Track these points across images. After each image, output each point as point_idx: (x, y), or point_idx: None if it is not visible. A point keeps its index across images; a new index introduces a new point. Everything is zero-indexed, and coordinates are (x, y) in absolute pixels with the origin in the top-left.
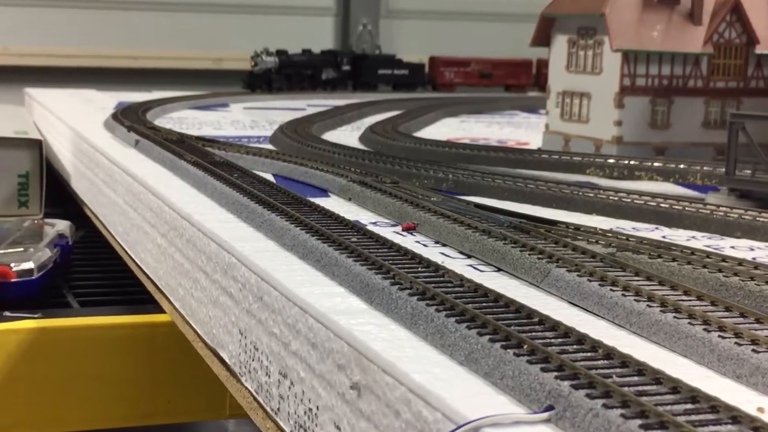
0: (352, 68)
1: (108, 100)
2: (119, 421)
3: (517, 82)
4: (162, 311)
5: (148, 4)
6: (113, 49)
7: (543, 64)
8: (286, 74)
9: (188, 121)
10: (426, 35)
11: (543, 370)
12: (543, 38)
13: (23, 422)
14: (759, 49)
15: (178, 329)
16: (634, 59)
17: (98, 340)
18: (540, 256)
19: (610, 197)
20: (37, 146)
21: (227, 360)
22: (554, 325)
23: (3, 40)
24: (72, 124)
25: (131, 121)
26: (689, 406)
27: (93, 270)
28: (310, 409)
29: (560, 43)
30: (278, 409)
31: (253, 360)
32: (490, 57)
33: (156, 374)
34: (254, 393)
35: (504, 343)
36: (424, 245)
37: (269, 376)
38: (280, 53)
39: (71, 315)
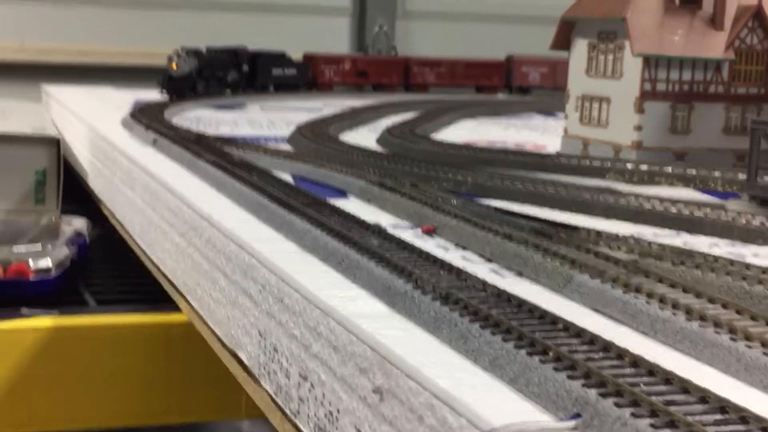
0: (250, 68)
1: (125, 98)
2: (134, 419)
3: (489, 83)
4: (178, 311)
5: (167, 2)
6: (131, 46)
7: (515, 65)
8: (205, 77)
9: (205, 120)
10: (443, 36)
11: (569, 377)
12: (563, 41)
13: (40, 418)
14: None
15: (194, 329)
16: (655, 64)
17: (115, 339)
18: (562, 261)
19: (631, 202)
20: (54, 144)
21: (245, 361)
22: (579, 332)
23: (20, 35)
24: (89, 121)
25: (149, 119)
26: (719, 416)
27: (110, 268)
28: (331, 412)
29: (580, 46)
30: (298, 411)
31: (272, 362)
32: (465, 58)
33: (171, 373)
34: (273, 394)
35: (529, 349)
36: (445, 249)
37: (289, 378)
38: (196, 53)
39: (88, 313)
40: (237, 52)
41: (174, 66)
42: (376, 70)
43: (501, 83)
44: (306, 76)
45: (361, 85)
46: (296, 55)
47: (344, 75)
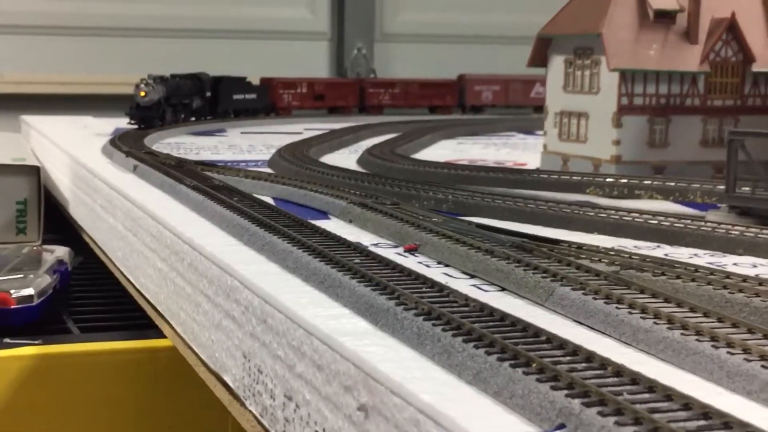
0: (212, 94)
1: (105, 126)
2: None
3: (442, 104)
4: (163, 336)
5: (145, 30)
6: (110, 75)
7: (467, 84)
8: (172, 104)
9: (186, 146)
10: (421, 57)
11: (553, 388)
12: (540, 59)
13: None
14: (755, 67)
15: (180, 354)
16: (632, 78)
17: (99, 366)
18: (544, 275)
19: (611, 216)
20: (35, 173)
21: (230, 384)
22: (562, 344)
23: None
24: (70, 150)
25: (129, 146)
26: (702, 422)
27: (93, 296)
28: None
29: (557, 63)
30: None
31: (257, 383)
32: (417, 78)
33: (157, 399)
34: (258, 416)
35: (513, 362)
36: (427, 266)
37: (274, 399)
38: (163, 79)
39: (72, 341)
40: (200, 77)
41: (142, 94)
42: (332, 93)
43: (454, 103)
44: (265, 101)
45: (318, 109)
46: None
47: (302, 99)
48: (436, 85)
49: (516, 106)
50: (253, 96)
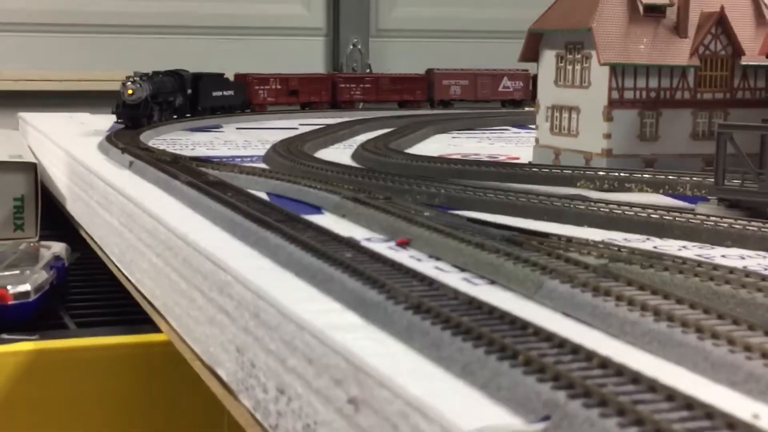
0: (193, 91)
1: (102, 122)
2: None
3: (412, 98)
4: (159, 331)
5: (141, 27)
6: (107, 72)
7: (436, 79)
8: (158, 102)
9: (181, 142)
10: (417, 52)
11: (539, 380)
12: (531, 53)
13: None
14: (745, 61)
15: (175, 349)
16: (622, 72)
17: (96, 361)
18: (533, 268)
19: (601, 209)
20: (32, 169)
21: (224, 378)
22: (549, 336)
23: None
24: (66, 147)
25: (125, 143)
26: (685, 413)
27: (89, 291)
28: (308, 425)
29: (548, 58)
30: (276, 425)
31: (250, 377)
32: (390, 73)
33: (154, 394)
34: (252, 410)
35: (499, 354)
36: (418, 260)
37: (267, 393)
38: (150, 77)
39: (68, 336)
40: (181, 74)
41: (129, 92)
42: (306, 89)
43: (424, 97)
44: (242, 97)
45: (292, 105)
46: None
47: (277, 94)
48: (406, 79)
49: (484, 100)
50: (230, 92)
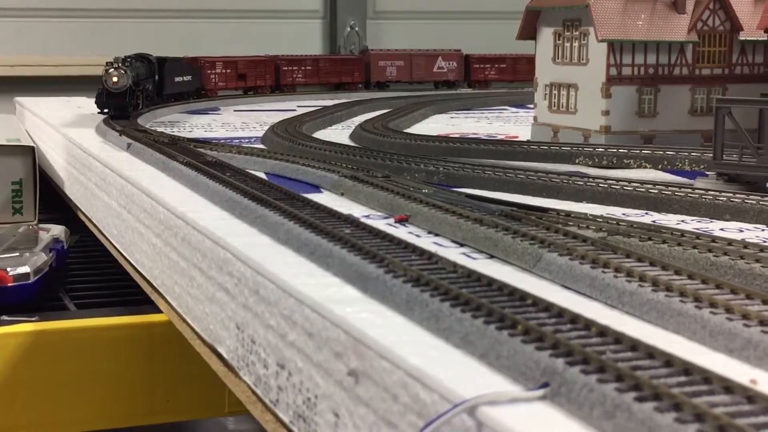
0: (159, 76)
1: None
2: (119, 421)
3: (350, 80)
4: (159, 311)
5: (137, 11)
6: (103, 57)
7: (372, 60)
8: (141, 90)
9: (180, 124)
10: (414, 34)
11: (538, 348)
12: (529, 31)
13: (22, 425)
14: (743, 36)
15: (175, 328)
16: (620, 49)
17: (96, 342)
18: (532, 241)
19: (600, 185)
20: (29, 153)
21: (225, 355)
22: (547, 306)
23: None
24: (64, 130)
25: (122, 125)
26: (683, 378)
27: (89, 273)
28: (309, 399)
29: (546, 35)
30: (277, 400)
31: (250, 353)
32: (325, 55)
33: (154, 373)
34: (252, 386)
35: (498, 324)
36: (417, 236)
37: (267, 368)
38: (131, 63)
39: (68, 317)
40: (149, 59)
41: (115, 79)
42: (252, 73)
43: (361, 79)
44: (198, 82)
45: (239, 89)
46: None
47: (227, 79)
48: (344, 61)
49: (419, 81)
50: (189, 78)
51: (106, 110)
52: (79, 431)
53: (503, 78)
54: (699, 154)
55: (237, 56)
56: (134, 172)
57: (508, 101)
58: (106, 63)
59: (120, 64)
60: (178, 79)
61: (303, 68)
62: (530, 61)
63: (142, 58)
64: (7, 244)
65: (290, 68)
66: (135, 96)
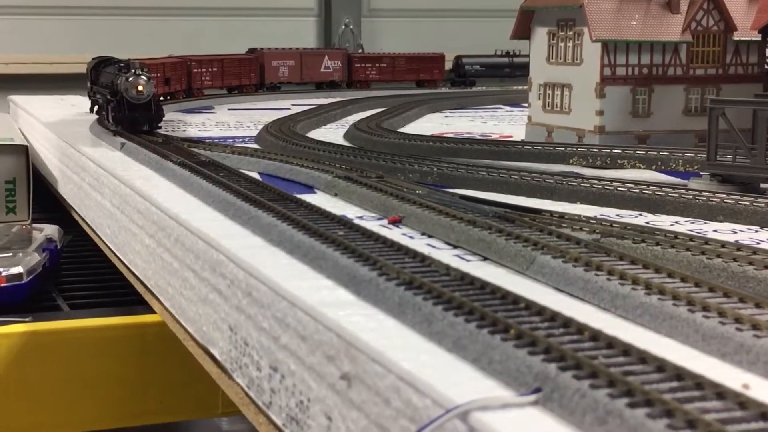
0: None
1: None
2: (112, 422)
3: (248, 82)
4: (152, 311)
5: (132, 9)
6: (98, 54)
7: (266, 60)
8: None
9: (173, 123)
10: (408, 32)
11: (530, 353)
12: (523, 31)
13: (15, 426)
14: (737, 36)
15: (169, 329)
16: (614, 49)
17: (89, 342)
18: (525, 243)
19: (594, 185)
20: (23, 152)
21: (218, 357)
22: (540, 310)
23: None
24: (57, 129)
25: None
26: (675, 383)
27: (82, 273)
28: (302, 402)
29: (540, 35)
30: (270, 402)
31: (243, 356)
32: (232, 54)
33: (147, 374)
34: (245, 388)
35: (491, 328)
36: (411, 237)
37: (260, 371)
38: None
39: (62, 318)
40: (128, 64)
41: (140, 88)
42: (175, 76)
43: (256, 80)
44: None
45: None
46: None
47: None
48: (241, 61)
49: (308, 82)
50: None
51: (129, 126)
52: None
53: (383, 78)
54: (693, 155)
55: (164, 58)
56: (127, 172)
57: (503, 100)
58: (117, 66)
59: (139, 71)
60: None
61: (210, 70)
62: (409, 60)
63: (109, 61)
64: (0, 244)
65: (199, 70)
66: (159, 105)
